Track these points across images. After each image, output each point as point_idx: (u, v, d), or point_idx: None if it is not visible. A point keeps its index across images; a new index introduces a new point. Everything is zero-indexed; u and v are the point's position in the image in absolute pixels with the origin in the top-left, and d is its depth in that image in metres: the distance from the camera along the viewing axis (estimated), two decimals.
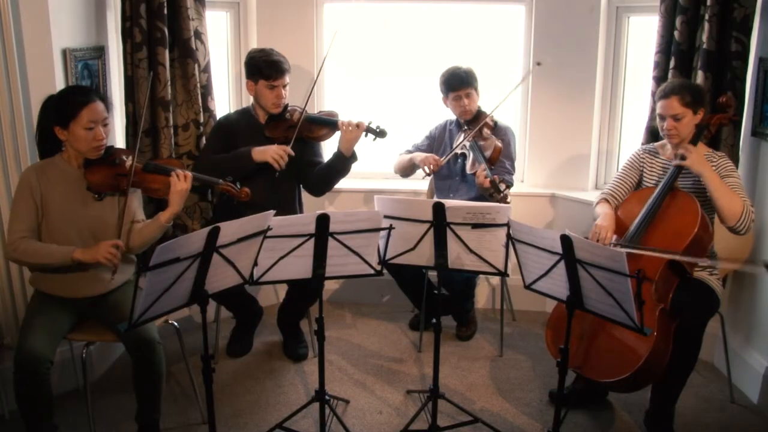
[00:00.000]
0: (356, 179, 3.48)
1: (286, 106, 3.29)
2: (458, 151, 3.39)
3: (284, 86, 3.21)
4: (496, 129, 3.41)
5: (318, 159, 3.35)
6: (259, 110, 3.29)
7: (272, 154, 3.10)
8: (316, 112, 3.42)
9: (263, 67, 3.15)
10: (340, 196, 3.92)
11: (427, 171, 3.37)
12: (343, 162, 3.24)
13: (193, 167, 3.29)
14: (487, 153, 3.24)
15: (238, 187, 2.85)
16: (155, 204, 3.12)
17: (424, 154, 3.45)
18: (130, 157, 2.59)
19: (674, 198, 2.68)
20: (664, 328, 2.43)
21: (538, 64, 3.61)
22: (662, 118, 2.74)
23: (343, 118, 3.26)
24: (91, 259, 2.41)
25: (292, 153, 3.13)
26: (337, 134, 3.25)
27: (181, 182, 2.60)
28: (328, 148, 3.46)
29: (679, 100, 2.68)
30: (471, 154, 3.31)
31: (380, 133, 3.23)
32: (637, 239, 2.64)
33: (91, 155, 2.52)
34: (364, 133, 3.20)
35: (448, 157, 3.39)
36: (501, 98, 3.32)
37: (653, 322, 2.39)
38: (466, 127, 3.42)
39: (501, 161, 3.32)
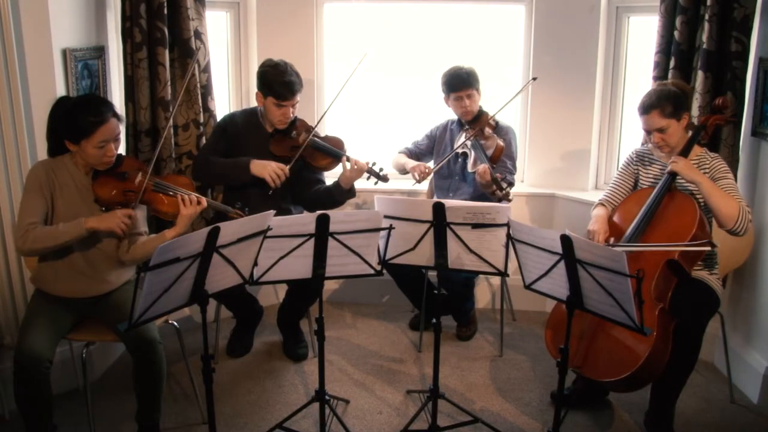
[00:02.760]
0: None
1: (295, 120, 3.23)
2: (459, 150, 3.40)
3: (293, 105, 3.15)
4: (498, 129, 3.42)
5: (318, 176, 3.31)
6: (266, 119, 3.25)
7: (270, 172, 3.05)
8: (322, 135, 3.31)
9: (274, 86, 3.08)
10: None
11: (417, 178, 3.40)
12: (341, 194, 3.20)
13: (193, 165, 3.30)
14: (489, 152, 3.24)
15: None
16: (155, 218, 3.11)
17: (416, 162, 3.49)
18: (140, 173, 2.56)
19: (672, 198, 2.67)
20: (663, 327, 2.43)
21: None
22: (648, 132, 2.72)
23: (349, 153, 3.20)
24: (106, 226, 2.41)
25: (288, 174, 3.09)
26: (340, 166, 3.20)
27: (188, 207, 2.58)
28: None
29: (660, 113, 2.64)
30: (473, 153, 3.31)
31: (382, 178, 3.20)
32: (636, 240, 2.63)
33: (100, 168, 2.52)
34: (366, 175, 3.17)
35: (439, 167, 3.42)
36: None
37: (653, 321, 2.38)
38: (467, 127, 3.42)
39: (502, 160, 3.33)
